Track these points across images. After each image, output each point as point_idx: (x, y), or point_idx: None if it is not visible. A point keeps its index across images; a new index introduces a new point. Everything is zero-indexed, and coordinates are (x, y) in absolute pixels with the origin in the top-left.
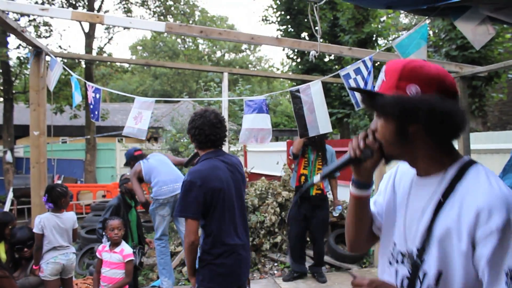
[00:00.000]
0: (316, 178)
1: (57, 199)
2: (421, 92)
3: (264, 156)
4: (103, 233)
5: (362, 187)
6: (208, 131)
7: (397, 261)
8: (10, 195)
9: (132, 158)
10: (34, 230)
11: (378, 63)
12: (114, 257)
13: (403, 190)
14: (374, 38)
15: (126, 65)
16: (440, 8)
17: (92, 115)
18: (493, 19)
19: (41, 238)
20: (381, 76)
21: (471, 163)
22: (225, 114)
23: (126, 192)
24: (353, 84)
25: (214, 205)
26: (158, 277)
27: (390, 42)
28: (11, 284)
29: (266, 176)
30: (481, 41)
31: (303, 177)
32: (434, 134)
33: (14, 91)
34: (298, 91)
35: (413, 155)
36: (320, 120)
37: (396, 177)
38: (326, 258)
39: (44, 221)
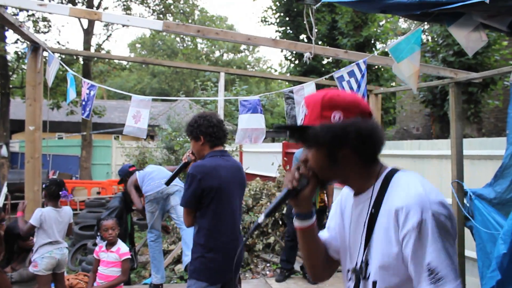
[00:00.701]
0: (260, 219)
1: (57, 193)
2: (343, 117)
3: (259, 157)
4: (98, 233)
5: (305, 218)
6: (223, 129)
7: (349, 279)
8: (5, 190)
9: (127, 174)
10: (32, 222)
11: (376, 66)
12: (111, 256)
13: (347, 212)
14: (372, 42)
15: (124, 62)
16: (434, 14)
17: (83, 112)
18: (487, 26)
19: (32, 229)
20: (303, 110)
21: (394, 171)
22: (221, 113)
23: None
24: (346, 87)
25: (209, 201)
26: (150, 275)
27: (386, 46)
28: (3, 278)
29: (261, 176)
30: (474, 47)
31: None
32: (361, 153)
33: (11, 86)
34: (291, 91)
35: (345, 175)
36: None
37: (341, 201)
38: None
39: (45, 215)
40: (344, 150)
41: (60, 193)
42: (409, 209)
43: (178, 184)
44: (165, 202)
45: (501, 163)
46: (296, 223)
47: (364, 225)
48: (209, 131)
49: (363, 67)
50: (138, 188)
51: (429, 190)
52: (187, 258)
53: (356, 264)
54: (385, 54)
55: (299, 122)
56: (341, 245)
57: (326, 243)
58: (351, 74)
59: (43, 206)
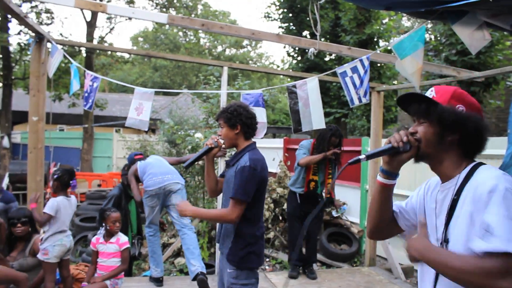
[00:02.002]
0: (362, 157)
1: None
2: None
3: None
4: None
5: (390, 176)
6: (257, 123)
7: None
8: (6, 180)
9: (133, 162)
10: (47, 211)
11: (379, 64)
12: (111, 248)
13: (431, 196)
14: (375, 40)
15: (127, 55)
16: (438, 12)
17: (85, 103)
18: (491, 25)
19: (50, 219)
20: (431, 93)
21: (479, 164)
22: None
23: (126, 183)
24: (349, 82)
25: (261, 193)
26: (149, 267)
27: (389, 43)
28: (4, 265)
29: None
30: (477, 46)
31: (312, 183)
32: (466, 145)
33: (13, 77)
34: (294, 86)
35: (441, 158)
36: (314, 116)
37: (427, 185)
38: (318, 256)
39: (60, 204)
40: (454, 136)
41: (71, 182)
42: (485, 181)
43: (181, 181)
44: (166, 198)
45: (502, 162)
46: (380, 178)
47: (444, 210)
48: (248, 122)
49: (366, 63)
50: (138, 179)
51: (509, 176)
52: (194, 268)
53: (438, 241)
54: (388, 51)
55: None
56: (418, 220)
57: (400, 211)
58: (354, 70)
59: (44, 196)
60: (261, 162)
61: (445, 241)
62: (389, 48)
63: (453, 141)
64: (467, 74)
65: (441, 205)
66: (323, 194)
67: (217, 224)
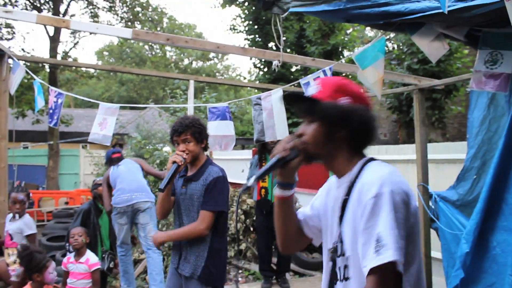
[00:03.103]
0: (250, 181)
1: None
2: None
3: (229, 164)
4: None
5: (286, 187)
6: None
7: (328, 259)
8: None
9: (109, 160)
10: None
11: (344, 74)
12: (80, 268)
13: (330, 195)
14: (340, 50)
15: (92, 70)
16: (396, 24)
17: (50, 120)
18: (447, 36)
19: None
20: (315, 88)
21: (370, 160)
22: None
23: (97, 197)
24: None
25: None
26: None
27: (352, 54)
28: None
29: (231, 184)
30: (436, 55)
31: (263, 190)
32: (355, 138)
33: None
34: (259, 98)
35: (332, 156)
36: (279, 127)
37: (330, 183)
38: (290, 265)
39: None
40: (343, 131)
41: None
42: (370, 184)
43: (150, 199)
44: (134, 216)
45: (463, 166)
46: (277, 191)
47: (337, 209)
48: (207, 136)
49: (329, 73)
50: (110, 186)
51: (395, 176)
52: None
53: (334, 244)
54: (351, 61)
55: (308, 93)
56: (323, 225)
57: (305, 219)
58: None
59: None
60: (225, 172)
61: (340, 241)
62: (352, 58)
63: (342, 137)
64: (428, 82)
65: (335, 203)
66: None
67: (175, 247)
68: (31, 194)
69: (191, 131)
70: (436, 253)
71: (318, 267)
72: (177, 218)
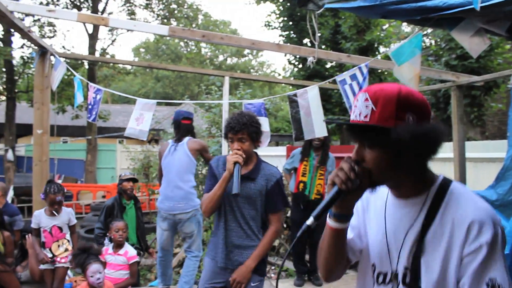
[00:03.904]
0: (310, 221)
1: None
2: (417, 120)
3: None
4: (106, 234)
5: (344, 219)
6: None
7: (377, 282)
8: (11, 193)
9: (177, 125)
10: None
11: (379, 70)
12: (119, 259)
13: (375, 211)
14: (375, 46)
15: (128, 67)
16: (434, 19)
17: (89, 115)
18: (488, 30)
19: None
20: (367, 104)
21: (448, 180)
22: (225, 117)
23: (122, 193)
24: (348, 90)
25: None
26: (156, 278)
27: (388, 50)
28: (11, 279)
29: None
30: (477, 50)
31: (301, 184)
32: (424, 158)
33: (16, 90)
34: (295, 95)
35: (400, 179)
36: (316, 124)
37: (363, 199)
38: None
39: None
40: (412, 155)
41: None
42: (483, 223)
43: (193, 208)
44: (177, 225)
45: (503, 165)
46: (332, 223)
47: (408, 231)
48: (261, 135)
49: (364, 70)
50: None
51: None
52: None
53: (397, 270)
54: (387, 58)
55: (359, 116)
56: (367, 243)
57: (349, 243)
58: (353, 77)
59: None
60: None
61: (412, 271)
62: (388, 54)
63: (410, 159)
64: (466, 78)
65: (398, 224)
66: (311, 195)
67: (219, 243)
68: (65, 190)
69: (248, 130)
70: None
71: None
72: (223, 213)
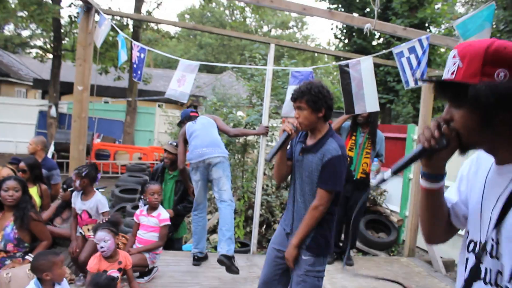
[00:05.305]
0: (387, 174)
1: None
2: (509, 76)
3: None
4: (141, 197)
5: (435, 179)
6: None
7: (468, 250)
8: (52, 149)
9: (187, 118)
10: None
11: (435, 47)
12: (151, 221)
13: (480, 177)
14: (426, 25)
15: (172, 31)
16: None
17: (134, 74)
18: None
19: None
20: (454, 61)
21: None
22: (268, 86)
23: (167, 167)
24: (405, 63)
25: None
26: (185, 242)
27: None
28: (42, 229)
29: None
30: None
31: (347, 159)
32: None
33: (62, 49)
34: (347, 65)
35: (495, 143)
36: (368, 98)
37: (474, 163)
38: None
39: None
40: (505, 114)
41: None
42: None
43: (223, 154)
44: (207, 172)
45: None
46: (423, 183)
47: (497, 200)
48: (331, 104)
49: (425, 43)
50: (187, 141)
51: None
52: (222, 250)
53: (486, 240)
54: (446, 34)
55: (447, 73)
56: (470, 211)
57: (453, 207)
58: (412, 50)
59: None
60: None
61: (497, 243)
62: (452, 26)
63: (505, 120)
64: None
65: (493, 191)
66: (357, 173)
67: (288, 212)
68: (88, 170)
69: (306, 98)
70: None
71: (383, 247)
72: (292, 182)
